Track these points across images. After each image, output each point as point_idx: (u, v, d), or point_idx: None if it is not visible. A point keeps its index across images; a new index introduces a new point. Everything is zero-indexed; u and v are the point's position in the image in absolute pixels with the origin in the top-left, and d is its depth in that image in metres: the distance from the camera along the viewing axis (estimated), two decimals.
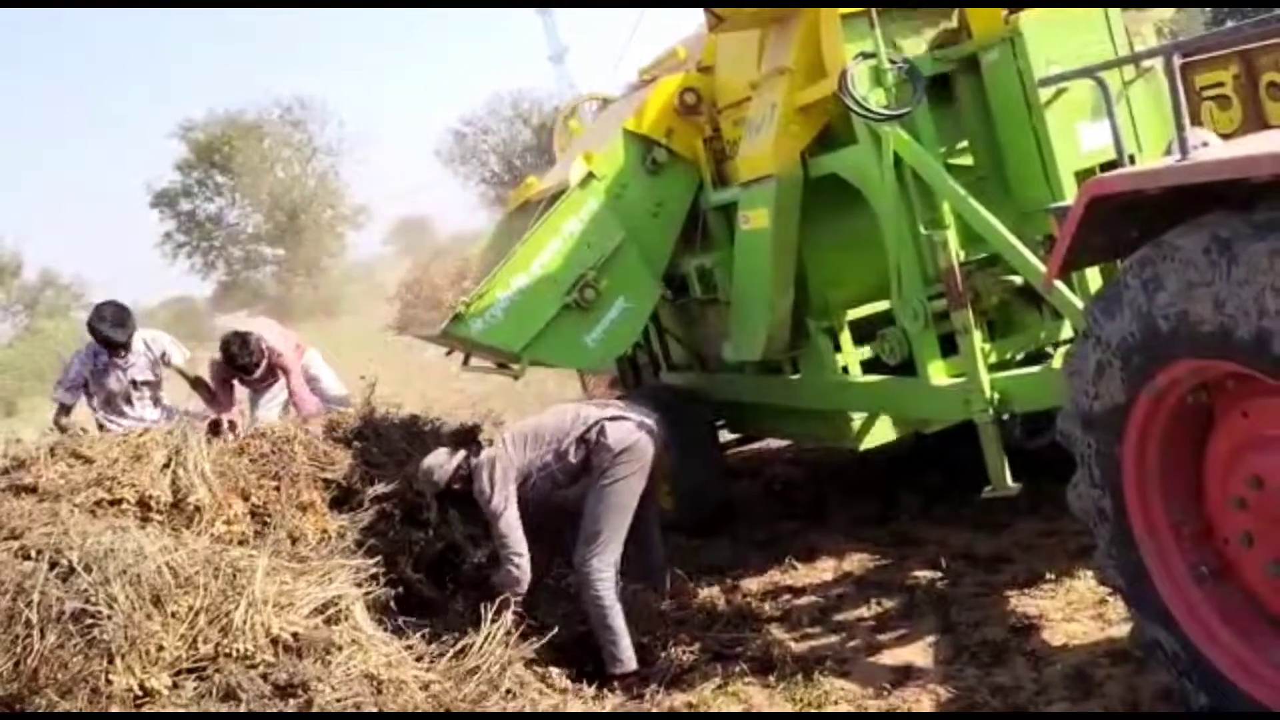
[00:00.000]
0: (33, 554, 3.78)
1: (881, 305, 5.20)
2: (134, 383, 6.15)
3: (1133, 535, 3.26)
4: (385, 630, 4.12)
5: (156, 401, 6.27)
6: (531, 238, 5.62)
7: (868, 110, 4.53)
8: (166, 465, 4.45)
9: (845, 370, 5.39)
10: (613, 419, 4.66)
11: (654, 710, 4.17)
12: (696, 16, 5.52)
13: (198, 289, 43.49)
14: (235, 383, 6.36)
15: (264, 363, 6.19)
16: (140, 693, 3.46)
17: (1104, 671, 3.81)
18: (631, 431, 4.62)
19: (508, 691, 3.96)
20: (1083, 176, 4.28)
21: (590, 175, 5.76)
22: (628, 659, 4.42)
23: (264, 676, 3.51)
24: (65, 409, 6.10)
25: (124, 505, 4.25)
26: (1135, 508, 3.24)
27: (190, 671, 3.57)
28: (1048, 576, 4.65)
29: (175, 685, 3.51)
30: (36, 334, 34.39)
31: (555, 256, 5.62)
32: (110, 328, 5.93)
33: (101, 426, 5.99)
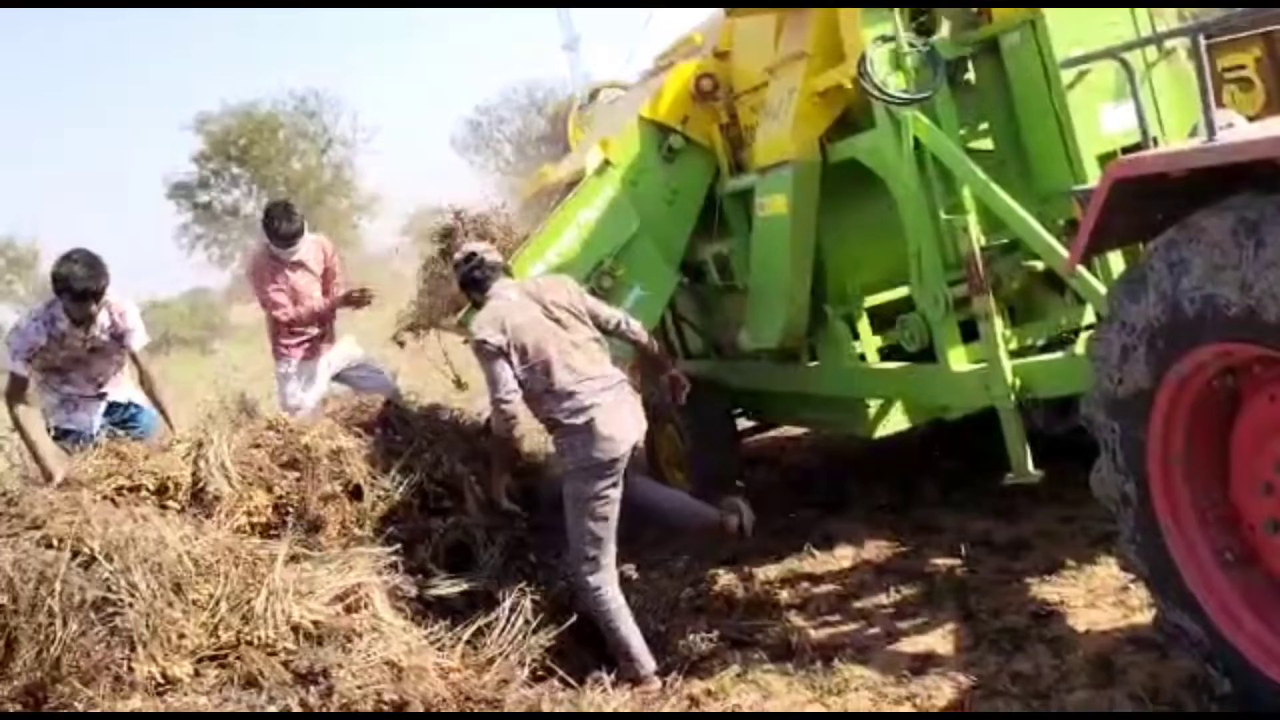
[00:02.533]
0: (55, 543, 3.79)
1: (900, 292, 5.18)
2: (91, 350, 5.31)
3: (1157, 521, 3.24)
4: (405, 618, 4.13)
5: (104, 397, 5.48)
6: (548, 226, 5.60)
7: (887, 94, 4.49)
8: (187, 456, 4.47)
9: (863, 357, 5.37)
10: (605, 407, 4.32)
11: (668, 704, 4.14)
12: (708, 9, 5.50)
13: (215, 280, 43.66)
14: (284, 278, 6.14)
15: (306, 243, 6.13)
16: (162, 680, 3.47)
17: (1126, 659, 3.79)
18: (620, 429, 4.33)
19: (528, 679, 3.96)
20: (1105, 160, 4.23)
21: (606, 163, 5.74)
22: (641, 661, 4.31)
23: (285, 664, 3.53)
24: (21, 383, 5.12)
25: (143, 492, 4.25)
26: (1159, 493, 3.22)
27: (212, 659, 3.58)
28: (1069, 563, 4.62)
29: (197, 673, 3.53)
30: None
31: (572, 244, 5.60)
32: (81, 268, 5.03)
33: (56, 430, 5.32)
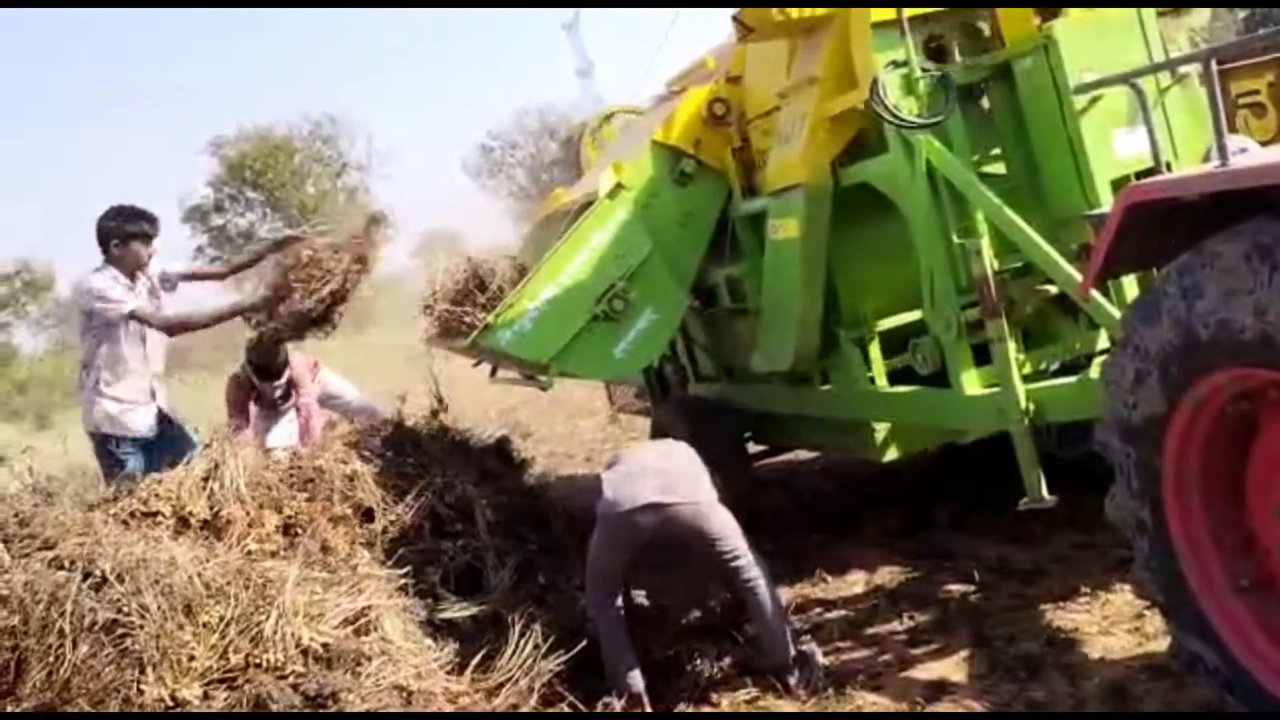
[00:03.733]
0: (66, 564, 3.80)
1: (913, 315, 5.16)
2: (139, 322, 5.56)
3: (1172, 547, 3.20)
4: (414, 641, 4.12)
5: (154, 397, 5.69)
6: (560, 249, 5.61)
7: (900, 118, 4.49)
8: (205, 480, 4.47)
9: (874, 380, 5.35)
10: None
11: None
12: (724, 28, 5.51)
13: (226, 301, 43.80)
14: (251, 404, 6.17)
15: (286, 374, 6.10)
16: (171, 702, 3.46)
17: (1142, 686, 3.75)
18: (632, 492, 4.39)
19: (538, 704, 3.94)
20: (1118, 184, 4.23)
21: (619, 186, 5.75)
22: (621, 681, 4.29)
23: (294, 687, 3.52)
24: (147, 311, 5.49)
25: (159, 518, 4.26)
26: (1175, 518, 3.19)
27: (221, 681, 3.57)
28: (1084, 589, 4.58)
29: (206, 695, 3.52)
30: (69, 348, 34.76)
31: (583, 267, 5.60)
32: (136, 217, 5.54)
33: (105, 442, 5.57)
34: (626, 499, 4.32)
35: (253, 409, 6.24)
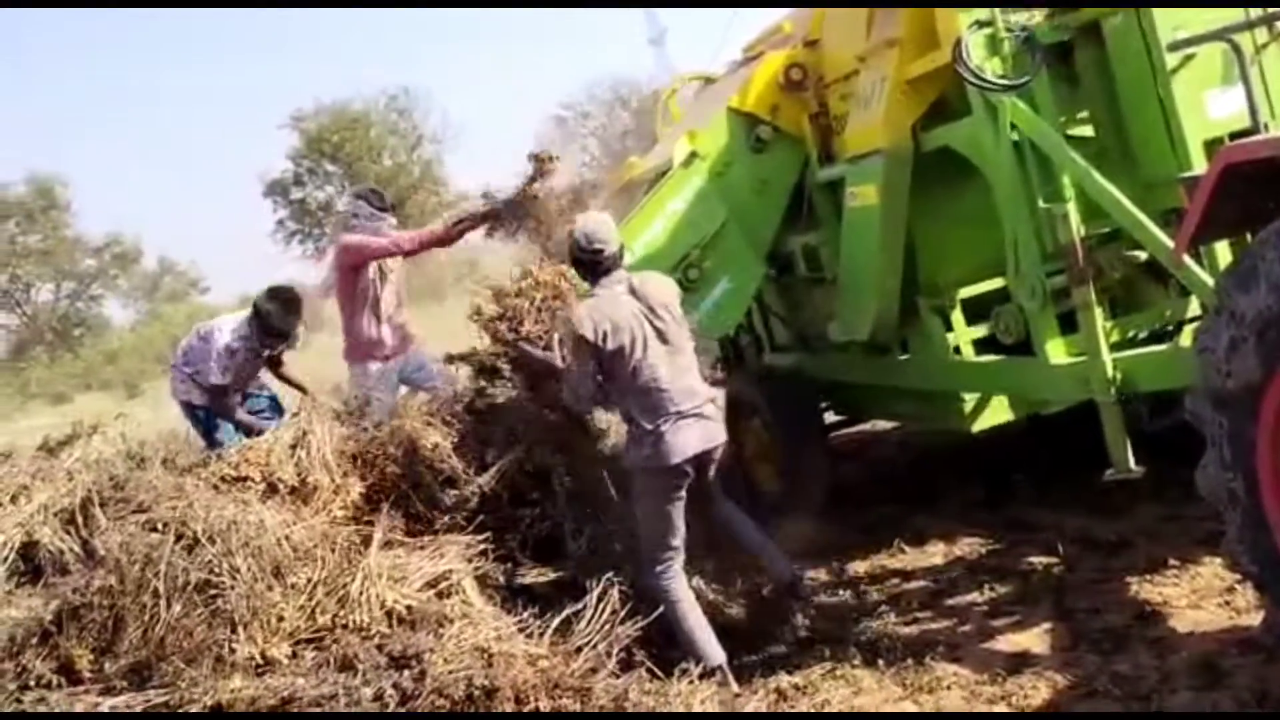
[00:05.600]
0: (159, 526, 3.91)
1: (996, 282, 5.07)
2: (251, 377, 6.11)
3: (1266, 519, 3.12)
4: (494, 605, 4.18)
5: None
6: (635, 218, 5.61)
7: (984, 80, 4.39)
8: (294, 447, 4.57)
9: (957, 350, 5.27)
10: (677, 419, 4.29)
11: (755, 698, 4.11)
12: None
13: (310, 276, 44.70)
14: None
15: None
16: (262, 661, 3.56)
17: (1232, 661, 3.66)
18: (681, 443, 4.29)
19: (615, 668, 3.97)
20: (1211, 146, 4.10)
21: (694, 154, 5.73)
22: (709, 655, 4.24)
23: (379, 647, 3.59)
24: (226, 391, 5.91)
25: (249, 483, 4.37)
26: (1269, 490, 3.10)
27: (309, 641, 3.67)
28: (1171, 562, 4.49)
29: (295, 654, 3.61)
30: (157, 319, 35.80)
31: (659, 236, 5.60)
32: (280, 316, 5.80)
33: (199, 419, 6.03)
34: (677, 450, 4.27)
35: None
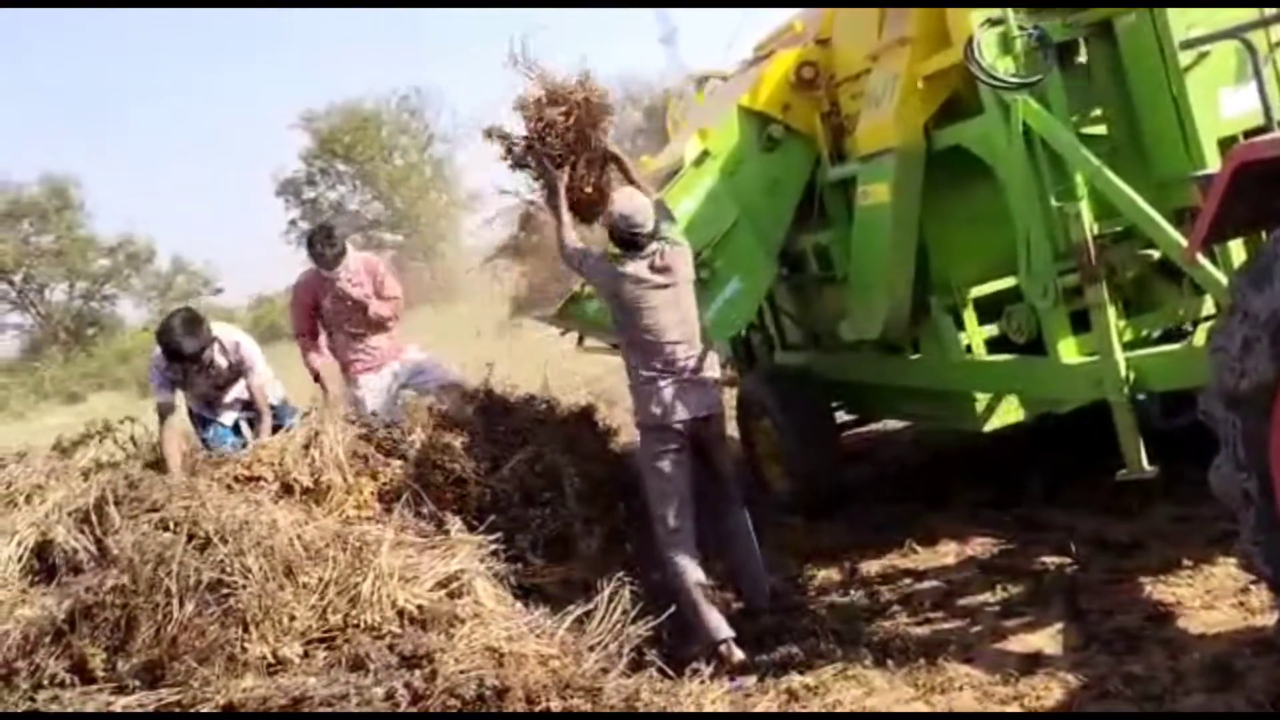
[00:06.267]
0: (172, 526, 3.93)
1: (1008, 281, 5.05)
2: (217, 387, 5.82)
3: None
4: (505, 605, 4.18)
5: (248, 405, 5.94)
6: None
7: (996, 79, 4.38)
8: (306, 447, 4.60)
9: (969, 349, 5.25)
10: (679, 379, 4.60)
11: (765, 698, 4.10)
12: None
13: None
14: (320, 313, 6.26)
15: (344, 260, 6.08)
16: (273, 660, 3.57)
17: (1246, 662, 3.64)
18: (683, 402, 4.59)
19: (626, 668, 3.97)
20: (1225, 144, 4.08)
21: (705, 153, 5.72)
22: (713, 629, 4.41)
23: (390, 647, 3.60)
24: (165, 408, 5.45)
25: (261, 483, 4.40)
26: None
27: (320, 641, 3.67)
28: (1185, 563, 4.46)
29: (307, 654, 3.62)
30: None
31: None
32: (180, 337, 5.41)
33: (196, 419, 5.86)
34: (681, 409, 4.56)
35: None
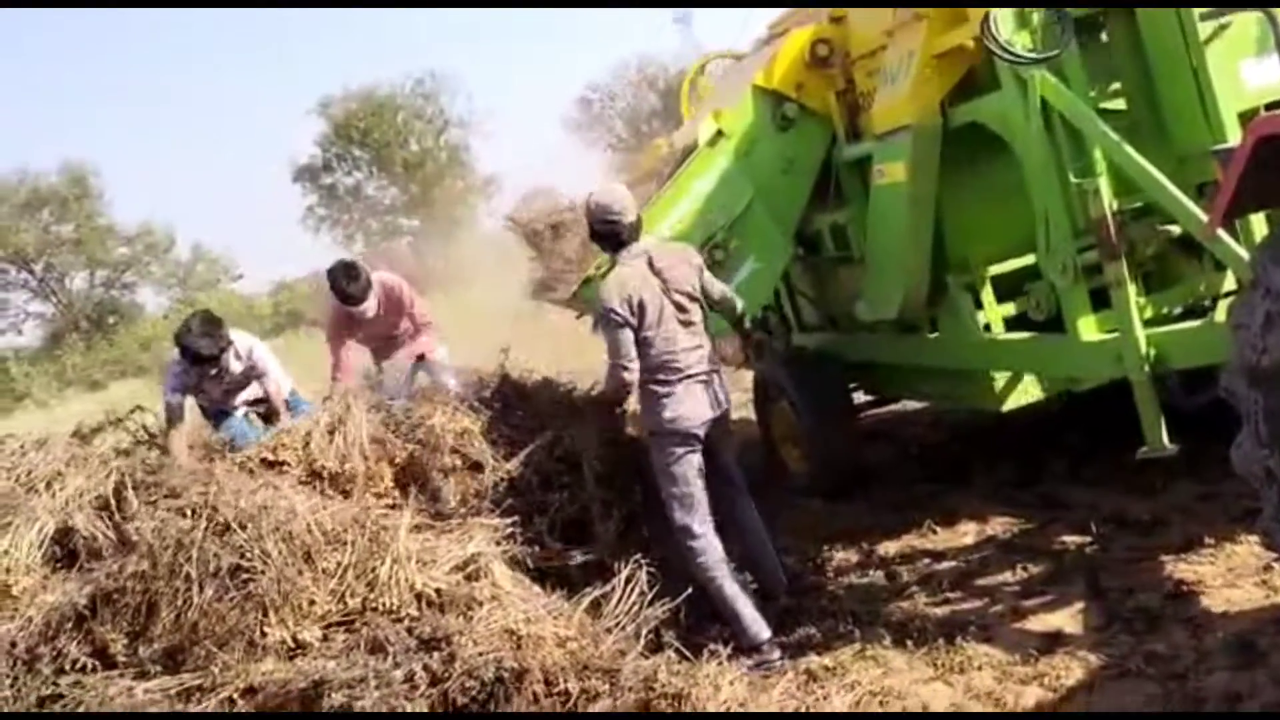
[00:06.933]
0: (191, 511, 3.95)
1: (1026, 259, 5.01)
2: (228, 391, 5.95)
3: None
4: (523, 588, 4.18)
5: (256, 403, 6.15)
6: (661, 198, 5.58)
7: (1013, 54, 4.32)
8: (331, 433, 4.61)
9: (987, 328, 5.22)
10: (690, 386, 4.46)
11: (784, 680, 4.09)
12: None
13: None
14: (354, 342, 6.36)
15: (373, 296, 6.16)
16: (293, 644, 3.58)
17: (1269, 640, 3.61)
18: (696, 408, 4.47)
19: (644, 650, 3.97)
20: (1246, 118, 4.03)
21: (719, 133, 5.68)
22: (754, 630, 4.33)
23: (409, 630, 3.60)
24: (175, 411, 5.58)
25: (285, 468, 4.41)
26: None
27: (339, 624, 3.68)
28: (1207, 541, 4.42)
29: (326, 638, 3.63)
30: (190, 305, 36.04)
31: (685, 217, 5.57)
32: (199, 339, 5.55)
33: (210, 415, 6.01)
34: (694, 413, 4.45)
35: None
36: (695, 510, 4.46)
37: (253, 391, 6.13)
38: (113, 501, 4.27)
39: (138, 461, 4.55)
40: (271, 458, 4.57)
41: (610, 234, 4.52)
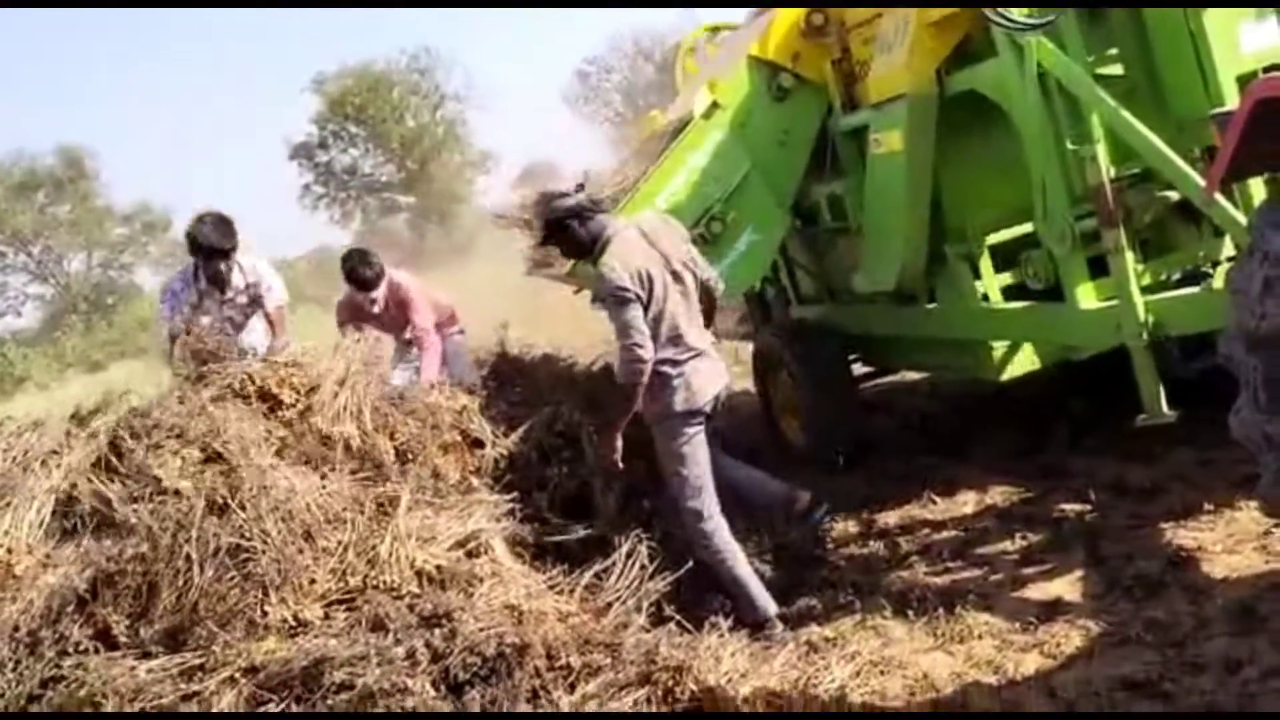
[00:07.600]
0: (201, 446, 3.99)
1: (1024, 227, 4.99)
2: (233, 323, 5.74)
3: None
4: (524, 564, 4.19)
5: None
6: (657, 171, 5.55)
7: (1009, 20, 4.28)
8: (340, 383, 4.58)
9: (985, 298, 5.20)
10: (696, 362, 4.37)
11: (784, 651, 4.10)
12: None
13: (337, 240, 44.82)
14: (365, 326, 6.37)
15: (384, 286, 6.15)
16: (294, 623, 3.59)
17: (1269, 605, 3.61)
18: (704, 383, 4.38)
19: (645, 624, 3.99)
20: (1245, 81, 3.99)
21: (714, 105, 5.64)
22: (763, 606, 4.33)
23: (410, 607, 3.61)
24: (179, 331, 5.21)
25: (281, 404, 4.42)
26: None
27: (340, 602, 3.69)
28: (1206, 507, 4.42)
29: (327, 616, 3.64)
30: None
31: (681, 190, 5.54)
32: (211, 232, 5.47)
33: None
34: (705, 391, 4.37)
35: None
36: (704, 492, 4.39)
37: (253, 338, 5.98)
38: (112, 458, 4.24)
39: (123, 410, 4.50)
40: (275, 390, 4.51)
41: (575, 214, 4.35)
